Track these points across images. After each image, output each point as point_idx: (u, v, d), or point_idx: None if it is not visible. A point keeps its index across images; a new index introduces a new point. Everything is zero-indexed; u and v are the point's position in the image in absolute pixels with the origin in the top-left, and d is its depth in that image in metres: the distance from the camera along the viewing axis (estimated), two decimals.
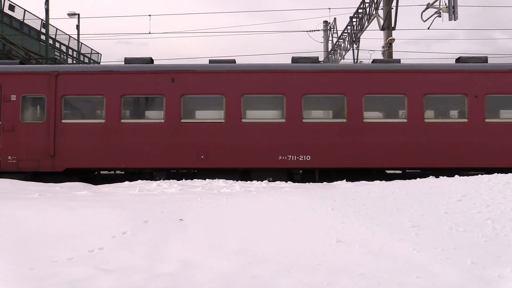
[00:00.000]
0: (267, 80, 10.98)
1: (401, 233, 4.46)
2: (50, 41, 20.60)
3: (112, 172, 12.10)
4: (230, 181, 8.83)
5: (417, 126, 10.41)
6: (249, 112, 11.07)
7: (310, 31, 19.78)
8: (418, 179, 7.57)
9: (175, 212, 5.47)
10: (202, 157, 10.74)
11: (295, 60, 11.61)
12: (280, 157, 10.58)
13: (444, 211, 5.11)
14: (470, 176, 7.39)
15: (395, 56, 16.05)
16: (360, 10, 18.17)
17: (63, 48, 24.05)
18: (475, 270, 3.44)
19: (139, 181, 9.41)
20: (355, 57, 18.93)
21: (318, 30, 22.07)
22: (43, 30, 20.52)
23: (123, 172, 11.70)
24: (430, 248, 4.01)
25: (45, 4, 18.64)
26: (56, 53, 22.11)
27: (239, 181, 9.14)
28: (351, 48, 19.88)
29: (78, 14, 23.48)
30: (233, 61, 11.91)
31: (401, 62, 11.64)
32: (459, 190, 5.96)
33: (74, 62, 23.87)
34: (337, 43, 22.45)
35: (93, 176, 12.12)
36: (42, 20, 20.49)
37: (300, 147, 10.59)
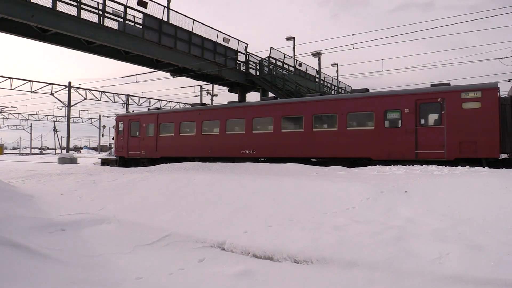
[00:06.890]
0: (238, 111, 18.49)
1: None
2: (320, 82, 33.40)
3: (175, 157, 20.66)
4: (441, 166, 9.96)
5: (309, 133, 15.73)
6: (230, 128, 18.36)
7: (500, 58, 24.26)
8: None
9: (402, 186, 6.75)
10: (209, 151, 18.71)
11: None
12: (242, 151, 17.58)
13: None
14: None
15: None
16: None
17: (327, 83, 36.30)
18: None
19: (377, 166, 11.48)
20: None
21: (508, 57, 26.83)
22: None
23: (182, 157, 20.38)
24: None
25: (318, 60, 32.28)
26: (325, 89, 34.34)
27: (439, 165, 10.84)
28: None
29: (337, 64, 37.63)
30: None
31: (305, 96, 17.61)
32: None
33: (334, 93, 34.75)
34: None
35: (173, 160, 20.19)
36: (315, 69, 32.71)
37: (250, 146, 17.34)
